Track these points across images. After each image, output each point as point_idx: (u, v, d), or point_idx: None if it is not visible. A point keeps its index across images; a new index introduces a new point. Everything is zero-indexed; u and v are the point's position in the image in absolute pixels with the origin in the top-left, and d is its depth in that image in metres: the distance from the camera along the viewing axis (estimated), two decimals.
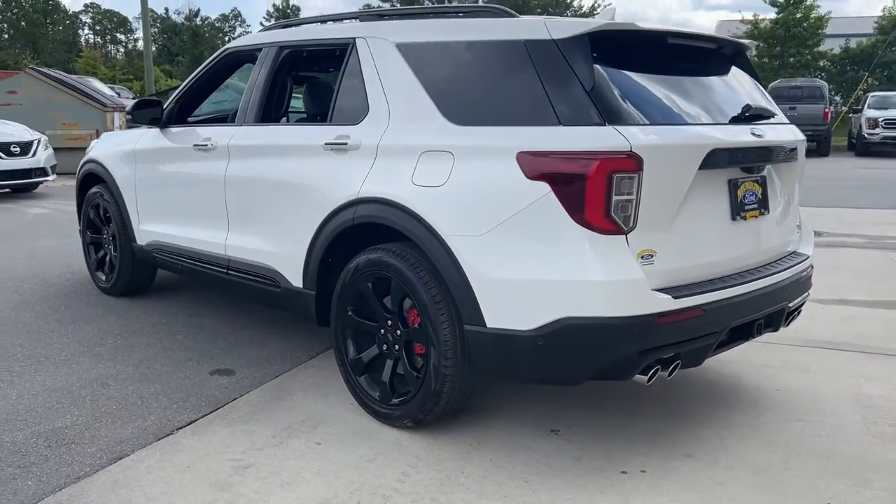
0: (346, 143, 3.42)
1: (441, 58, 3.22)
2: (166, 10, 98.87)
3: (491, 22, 3.16)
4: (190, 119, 4.86)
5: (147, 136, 4.88)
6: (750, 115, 3.18)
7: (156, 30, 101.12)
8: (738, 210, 3.09)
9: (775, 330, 3.43)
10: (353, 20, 3.78)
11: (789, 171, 3.46)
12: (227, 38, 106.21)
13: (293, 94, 4.41)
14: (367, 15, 3.75)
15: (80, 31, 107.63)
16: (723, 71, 3.41)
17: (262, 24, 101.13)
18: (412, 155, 3.12)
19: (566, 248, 2.69)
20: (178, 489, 2.81)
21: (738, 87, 3.41)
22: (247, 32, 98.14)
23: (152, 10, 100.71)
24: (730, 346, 3.21)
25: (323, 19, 4.08)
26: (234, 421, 3.42)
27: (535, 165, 2.73)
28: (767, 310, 3.19)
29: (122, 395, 3.67)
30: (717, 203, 3.02)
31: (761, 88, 3.58)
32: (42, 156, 10.76)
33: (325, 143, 3.51)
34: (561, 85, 2.79)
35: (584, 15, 41.15)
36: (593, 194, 2.63)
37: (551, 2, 41.09)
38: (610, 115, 2.72)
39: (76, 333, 4.61)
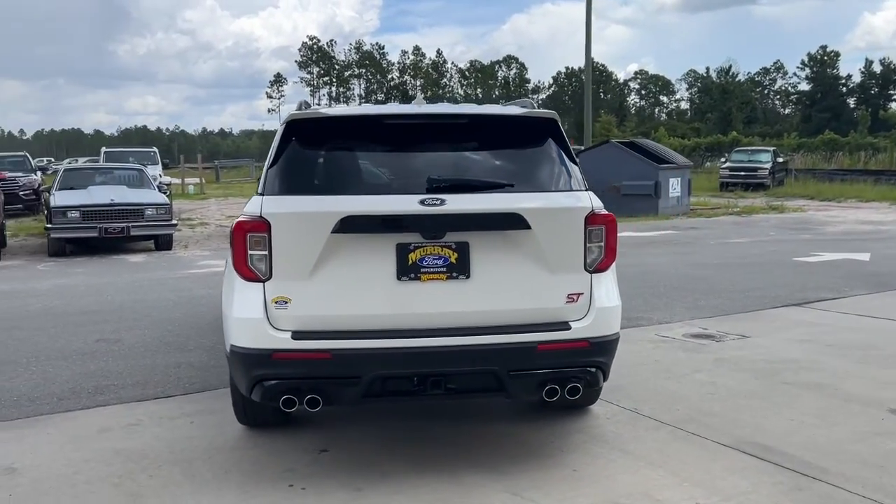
0: None
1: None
2: (707, 69, 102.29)
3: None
4: None
5: None
6: (444, 186, 3.39)
7: (695, 89, 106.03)
8: (407, 272, 3.36)
9: (508, 396, 3.51)
10: None
11: (527, 239, 3.43)
12: (765, 92, 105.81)
13: None
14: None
15: (627, 98, 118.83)
16: (464, 142, 3.62)
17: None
18: None
19: (233, 290, 3.50)
20: (66, 431, 4.33)
21: (475, 157, 3.58)
22: (788, 84, 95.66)
23: (694, 71, 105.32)
24: (415, 396, 3.47)
25: None
26: (183, 403, 4.81)
27: None
28: (447, 369, 3.36)
29: (160, 379, 5.32)
30: (378, 263, 3.36)
31: (512, 157, 3.65)
32: None
33: None
34: (268, 161, 3.60)
35: None
36: (238, 249, 3.41)
37: None
38: (270, 187, 3.45)
39: (210, 337, 6.49)
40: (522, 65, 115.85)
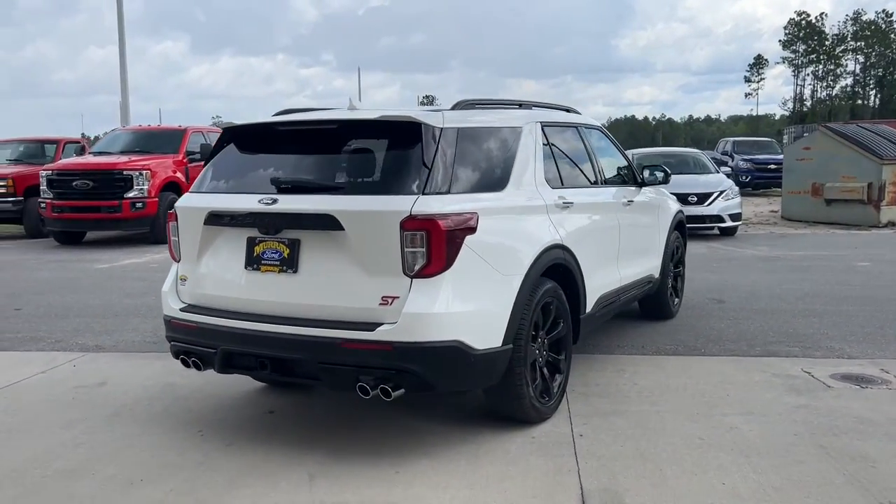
0: None
1: None
2: None
3: None
4: None
5: None
6: (285, 187, 3.73)
7: None
8: (252, 262, 3.81)
9: (328, 387, 3.74)
10: None
11: (344, 240, 3.56)
12: None
13: None
14: None
15: None
16: (336, 147, 3.84)
17: None
18: None
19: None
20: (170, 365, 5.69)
21: (338, 159, 3.79)
22: None
23: None
24: (255, 373, 3.97)
25: None
26: None
27: None
28: (273, 352, 3.72)
29: None
30: (235, 253, 3.88)
31: (371, 161, 3.76)
32: (720, 205, 12.45)
33: None
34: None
35: None
36: (168, 235, 4.27)
37: None
38: (193, 185, 4.23)
39: None
40: None
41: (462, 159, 3.84)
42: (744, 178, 22.79)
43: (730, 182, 13.16)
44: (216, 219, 3.95)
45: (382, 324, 3.53)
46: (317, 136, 4.01)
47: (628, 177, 6.05)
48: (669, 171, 6.23)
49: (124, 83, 23.40)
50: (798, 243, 12.33)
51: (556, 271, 4.35)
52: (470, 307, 3.63)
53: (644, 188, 6.14)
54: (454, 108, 4.09)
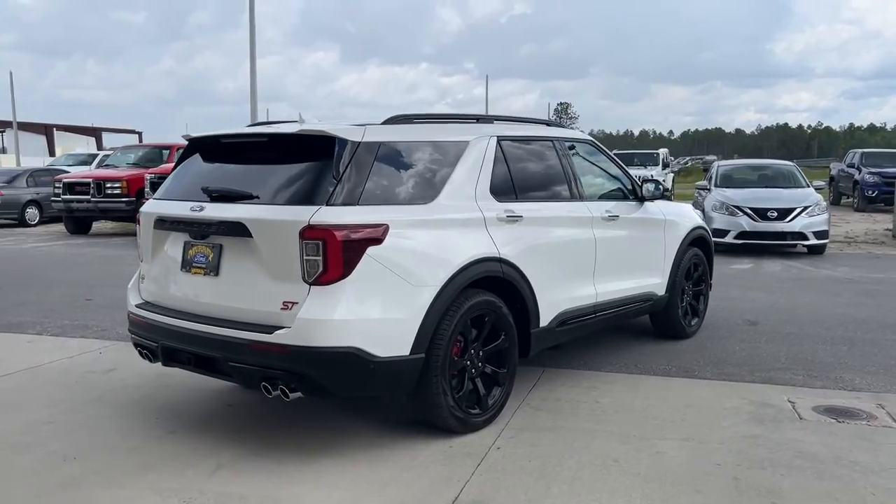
0: None
1: None
2: None
3: None
4: None
5: None
6: (214, 196, 4.01)
7: None
8: (186, 264, 4.13)
9: (241, 385, 3.94)
10: None
11: (254, 246, 3.80)
12: None
13: None
14: None
15: None
16: (266, 158, 4.09)
17: None
18: None
19: None
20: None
21: (266, 170, 4.04)
22: None
23: None
24: (187, 367, 4.20)
25: None
26: None
27: None
28: (197, 349, 4.01)
29: None
30: (175, 255, 4.21)
31: (303, 171, 3.93)
32: (803, 222, 11.64)
33: None
34: None
35: None
36: (136, 236, 4.68)
37: None
38: (158, 191, 4.61)
39: None
40: None
41: (380, 172, 3.97)
42: (870, 192, 21.14)
43: (817, 197, 12.30)
44: (162, 223, 4.30)
45: (281, 327, 3.74)
46: (251, 149, 4.29)
47: (626, 191, 5.93)
48: (664, 187, 6.06)
49: (253, 92, 24.99)
50: (888, 266, 11.36)
51: (497, 284, 4.39)
52: (370, 315, 3.76)
53: (647, 203, 6.00)
54: (385, 122, 4.23)
